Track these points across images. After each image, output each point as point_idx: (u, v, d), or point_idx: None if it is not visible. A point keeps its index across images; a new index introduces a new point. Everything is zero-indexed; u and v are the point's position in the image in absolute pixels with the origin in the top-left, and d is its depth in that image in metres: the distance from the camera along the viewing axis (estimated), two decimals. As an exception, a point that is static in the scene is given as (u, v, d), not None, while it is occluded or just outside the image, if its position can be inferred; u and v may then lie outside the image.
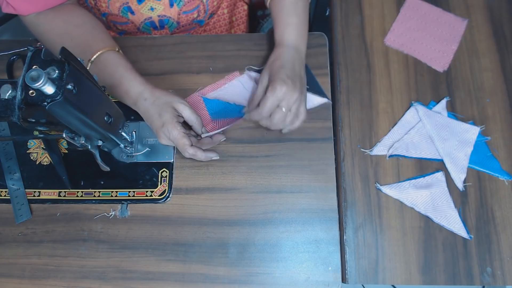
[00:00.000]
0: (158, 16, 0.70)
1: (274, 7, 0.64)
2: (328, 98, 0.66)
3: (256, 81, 0.66)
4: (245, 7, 0.88)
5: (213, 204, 0.61)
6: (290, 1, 0.63)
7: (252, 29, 1.00)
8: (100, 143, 0.54)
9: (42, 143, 0.65)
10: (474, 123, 0.65)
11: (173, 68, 0.68)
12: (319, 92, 0.66)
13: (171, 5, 0.68)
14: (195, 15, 0.73)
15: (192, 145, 0.57)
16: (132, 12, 0.68)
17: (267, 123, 0.59)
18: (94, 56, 0.58)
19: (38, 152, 0.65)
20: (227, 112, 0.66)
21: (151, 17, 0.70)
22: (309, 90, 0.65)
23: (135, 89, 0.58)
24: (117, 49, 0.61)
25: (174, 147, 0.64)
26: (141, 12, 0.68)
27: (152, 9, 0.68)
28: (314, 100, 0.66)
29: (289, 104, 0.57)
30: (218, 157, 0.61)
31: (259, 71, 0.67)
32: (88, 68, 0.58)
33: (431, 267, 0.59)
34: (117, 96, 0.60)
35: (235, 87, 0.67)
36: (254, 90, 0.64)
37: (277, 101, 0.56)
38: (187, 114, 0.58)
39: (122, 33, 0.77)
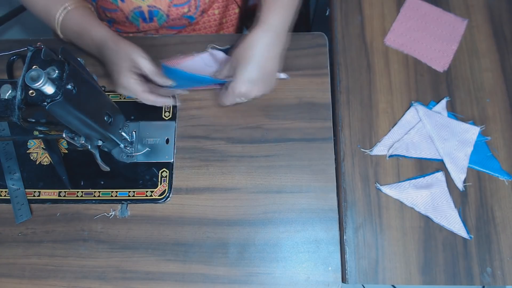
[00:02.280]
0: (148, 6, 0.69)
1: None
2: (287, 75, 0.67)
3: (219, 62, 0.67)
4: (236, 10, 0.88)
5: (213, 204, 0.61)
6: None
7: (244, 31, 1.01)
8: (100, 143, 0.54)
9: (42, 143, 0.65)
10: (474, 123, 0.65)
11: (173, 68, 0.68)
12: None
13: None
14: (186, 10, 0.73)
15: (147, 92, 0.60)
16: (122, 0, 0.68)
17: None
18: (67, 7, 0.61)
19: (38, 152, 0.65)
20: (189, 82, 0.66)
21: (140, 7, 0.69)
22: None
23: (100, 38, 0.60)
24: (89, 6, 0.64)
25: (174, 150, 0.64)
26: (131, 0, 0.68)
27: None
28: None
29: (248, 98, 0.61)
30: (175, 103, 0.65)
31: (224, 51, 0.68)
32: (61, 17, 0.61)
33: (431, 267, 0.59)
34: (82, 44, 0.62)
35: (196, 63, 0.68)
36: (215, 69, 0.66)
37: (236, 97, 0.61)
38: (147, 66, 0.60)
39: (111, 21, 0.77)
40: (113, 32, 0.62)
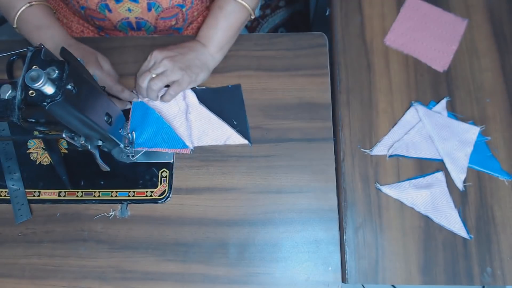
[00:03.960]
0: (136, 18, 0.70)
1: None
2: (249, 142, 0.63)
3: (189, 102, 0.66)
4: None
5: (213, 204, 0.61)
6: (218, 4, 0.65)
7: (252, 29, 1.01)
8: (100, 143, 0.54)
9: (42, 143, 0.65)
10: (474, 123, 0.65)
11: (173, 68, 0.68)
12: (243, 132, 0.64)
13: (149, 9, 0.68)
14: (173, 23, 0.74)
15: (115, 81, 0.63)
16: (110, 10, 0.68)
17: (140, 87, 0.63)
18: (33, 2, 0.62)
19: (38, 152, 0.65)
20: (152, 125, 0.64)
21: (128, 18, 0.70)
22: (235, 126, 0.64)
23: (63, 36, 0.64)
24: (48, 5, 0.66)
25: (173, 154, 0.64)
26: (119, 11, 0.68)
27: (129, 10, 0.68)
28: (235, 139, 0.63)
29: (157, 71, 0.61)
30: (137, 99, 0.65)
31: (199, 92, 0.67)
32: (24, 8, 0.62)
33: (431, 267, 0.59)
34: (37, 38, 0.63)
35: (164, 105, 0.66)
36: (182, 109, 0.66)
37: (148, 64, 0.63)
38: (107, 67, 0.64)
39: (100, 28, 0.77)
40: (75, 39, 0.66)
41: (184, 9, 0.71)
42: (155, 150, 0.63)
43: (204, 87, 0.67)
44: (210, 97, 0.66)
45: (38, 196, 0.62)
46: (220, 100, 0.66)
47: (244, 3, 0.64)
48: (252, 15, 0.66)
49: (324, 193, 0.62)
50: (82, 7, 0.69)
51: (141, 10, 0.69)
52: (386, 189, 0.62)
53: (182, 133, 0.64)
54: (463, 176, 0.62)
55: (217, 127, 0.64)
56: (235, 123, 0.64)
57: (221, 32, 0.64)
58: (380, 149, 0.64)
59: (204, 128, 0.64)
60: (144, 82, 0.61)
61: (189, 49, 0.64)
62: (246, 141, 0.63)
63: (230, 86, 0.67)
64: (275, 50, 0.69)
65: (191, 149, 0.63)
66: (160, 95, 0.64)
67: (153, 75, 0.61)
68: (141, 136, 0.64)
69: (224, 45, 0.65)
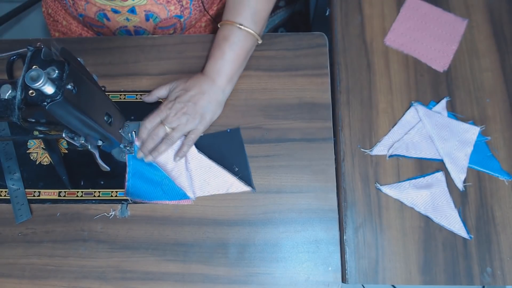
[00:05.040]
0: (134, 26, 0.70)
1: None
2: (253, 188, 0.61)
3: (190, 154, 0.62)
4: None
5: (213, 204, 0.61)
6: (223, 34, 0.61)
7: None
8: (100, 143, 0.54)
9: (42, 143, 0.65)
10: (474, 123, 0.65)
11: (173, 68, 0.68)
12: (246, 177, 0.62)
13: (147, 19, 0.68)
14: (171, 32, 0.74)
15: None
16: (108, 19, 0.68)
17: (149, 143, 0.60)
18: None
19: (38, 152, 0.65)
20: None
21: (126, 26, 0.70)
22: (237, 173, 0.62)
23: None
24: None
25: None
26: (117, 20, 0.68)
27: (128, 19, 0.68)
28: (238, 187, 0.61)
29: (170, 123, 0.59)
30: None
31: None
32: None
33: (431, 267, 0.59)
34: None
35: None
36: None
37: (159, 118, 0.59)
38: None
39: (99, 33, 0.78)
40: None
41: (182, 19, 0.72)
42: (154, 203, 0.61)
43: (202, 134, 0.63)
44: (208, 143, 0.63)
45: (38, 196, 0.62)
46: (220, 146, 0.63)
47: (250, 30, 0.60)
48: (259, 40, 0.63)
49: (324, 193, 0.62)
50: (81, 14, 0.69)
51: (139, 20, 0.69)
52: (386, 189, 0.62)
53: (183, 183, 0.61)
54: (463, 176, 0.62)
55: (219, 176, 0.61)
56: (236, 169, 0.62)
57: (228, 64, 0.61)
58: (380, 149, 0.64)
59: (205, 178, 0.61)
60: (158, 136, 0.59)
61: (199, 92, 0.60)
62: (249, 188, 0.61)
63: (228, 130, 0.64)
64: (275, 50, 0.69)
65: (193, 200, 0.61)
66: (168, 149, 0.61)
67: (168, 129, 0.60)
68: (140, 188, 0.61)
69: (233, 76, 0.63)
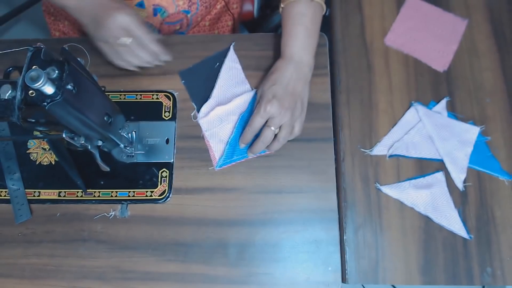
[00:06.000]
0: None
1: (283, 14, 0.63)
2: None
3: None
4: (229, 23, 0.88)
5: (213, 204, 0.61)
6: (297, 11, 0.60)
7: (252, 29, 1.00)
8: (100, 143, 0.54)
9: (42, 143, 0.65)
10: (474, 123, 0.65)
11: (173, 68, 0.68)
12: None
13: (155, 14, 0.68)
14: (177, 27, 0.74)
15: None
16: None
17: (260, 146, 0.59)
18: None
19: (38, 152, 0.65)
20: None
21: None
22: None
23: None
24: None
25: (174, 148, 0.64)
26: None
27: None
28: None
29: (276, 123, 0.57)
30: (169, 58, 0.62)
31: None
32: None
33: (431, 267, 0.59)
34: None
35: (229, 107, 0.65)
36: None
37: (263, 119, 0.57)
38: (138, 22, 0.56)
39: None
40: None
41: (189, 15, 0.72)
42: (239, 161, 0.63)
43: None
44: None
45: (38, 196, 0.62)
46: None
47: (319, 1, 0.61)
48: (324, 9, 0.63)
49: (324, 193, 0.62)
50: None
51: (146, 15, 0.69)
52: (386, 189, 0.62)
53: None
54: (463, 176, 0.62)
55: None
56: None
57: (311, 39, 0.61)
58: (380, 149, 0.64)
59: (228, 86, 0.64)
60: (267, 139, 0.58)
61: (291, 79, 0.59)
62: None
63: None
64: (275, 50, 0.69)
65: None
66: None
67: (274, 129, 0.58)
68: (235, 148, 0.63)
69: (315, 48, 0.62)
